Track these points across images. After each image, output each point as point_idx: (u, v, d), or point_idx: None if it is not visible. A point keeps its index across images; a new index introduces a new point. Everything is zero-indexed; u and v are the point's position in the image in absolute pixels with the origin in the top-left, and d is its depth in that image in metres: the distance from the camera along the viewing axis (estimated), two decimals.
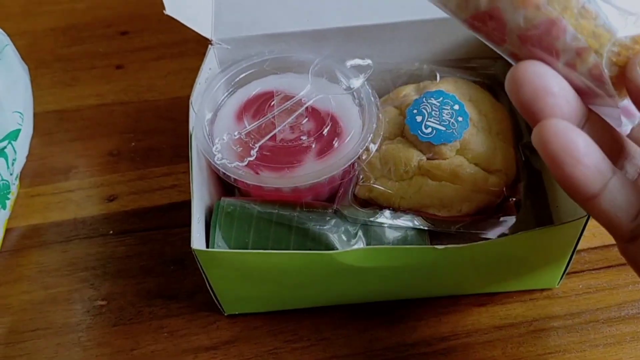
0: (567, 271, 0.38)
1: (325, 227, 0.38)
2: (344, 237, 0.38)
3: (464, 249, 0.33)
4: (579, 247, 0.41)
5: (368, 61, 0.43)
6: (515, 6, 0.24)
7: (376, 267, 0.35)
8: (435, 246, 0.34)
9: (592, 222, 0.42)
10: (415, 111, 0.39)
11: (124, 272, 0.42)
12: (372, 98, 0.41)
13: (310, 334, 0.40)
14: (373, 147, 0.40)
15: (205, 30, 0.42)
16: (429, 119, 0.38)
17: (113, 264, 0.43)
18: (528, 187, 0.42)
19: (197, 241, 0.35)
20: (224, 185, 0.42)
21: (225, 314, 0.40)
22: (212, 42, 0.42)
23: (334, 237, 0.37)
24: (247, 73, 0.43)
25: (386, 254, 0.35)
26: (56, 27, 0.57)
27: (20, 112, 0.42)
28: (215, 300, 0.39)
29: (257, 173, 0.39)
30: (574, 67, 0.25)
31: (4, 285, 0.42)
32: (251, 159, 0.39)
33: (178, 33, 0.39)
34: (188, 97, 0.40)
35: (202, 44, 0.42)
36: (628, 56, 0.24)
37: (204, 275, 0.36)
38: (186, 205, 0.36)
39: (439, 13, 0.42)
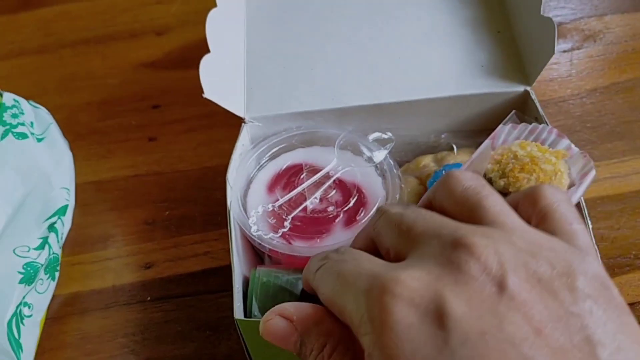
0: None
1: None
2: None
3: None
4: None
5: (389, 134, 0.46)
6: None
7: None
8: None
9: None
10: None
11: (162, 338, 0.44)
12: (394, 170, 0.44)
13: None
14: None
15: (238, 110, 0.46)
16: None
17: (151, 330, 0.45)
18: None
19: (239, 311, 0.37)
20: (254, 251, 0.45)
21: None
22: (244, 120, 0.46)
23: None
24: (277, 148, 0.46)
25: None
26: (91, 101, 0.60)
27: (67, 188, 0.45)
28: None
29: (290, 243, 0.41)
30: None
31: (47, 352, 0.44)
32: (285, 230, 0.41)
33: (206, 106, 0.42)
34: (217, 166, 0.43)
35: (229, 116, 0.45)
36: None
37: (243, 343, 0.38)
38: (219, 272, 0.39)
39: (453, 91, 0.46)
